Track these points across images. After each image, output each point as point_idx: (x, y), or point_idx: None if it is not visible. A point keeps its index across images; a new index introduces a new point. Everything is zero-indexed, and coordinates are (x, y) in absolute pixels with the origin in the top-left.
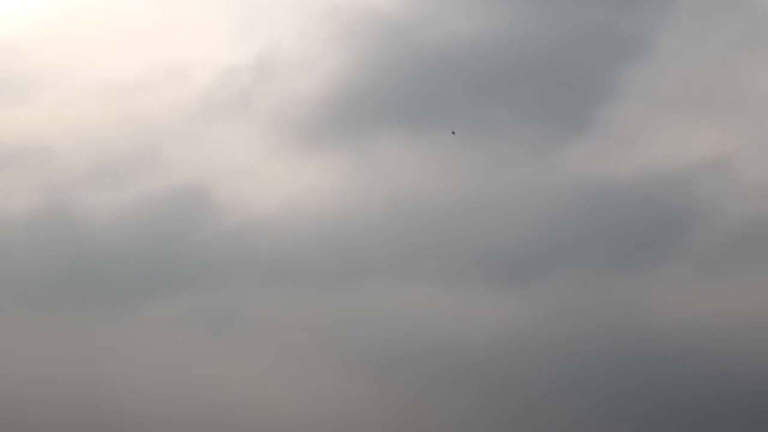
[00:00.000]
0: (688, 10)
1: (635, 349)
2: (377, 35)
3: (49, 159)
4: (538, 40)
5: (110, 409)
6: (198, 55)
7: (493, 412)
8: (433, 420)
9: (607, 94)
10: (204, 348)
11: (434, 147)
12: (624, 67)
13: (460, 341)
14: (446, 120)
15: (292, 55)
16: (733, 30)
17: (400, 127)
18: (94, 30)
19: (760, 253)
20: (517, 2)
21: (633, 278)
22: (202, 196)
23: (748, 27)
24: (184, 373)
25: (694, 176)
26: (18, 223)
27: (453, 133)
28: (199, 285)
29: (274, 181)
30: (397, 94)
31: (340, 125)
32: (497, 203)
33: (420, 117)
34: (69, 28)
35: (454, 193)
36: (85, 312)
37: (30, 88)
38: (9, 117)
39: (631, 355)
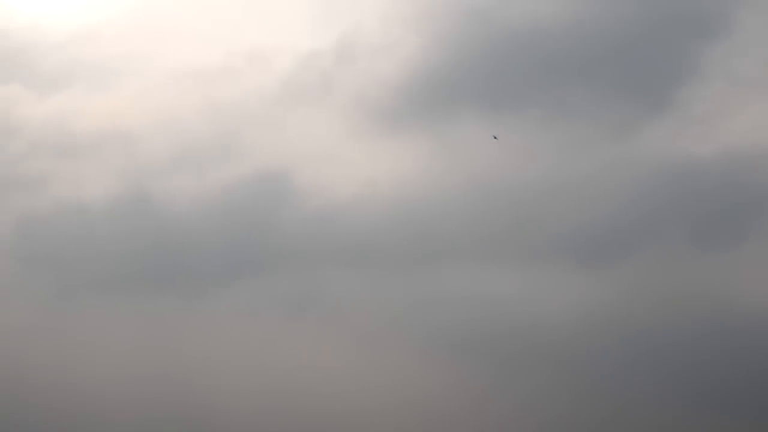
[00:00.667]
0: None
1: (715, 327)
2: (456, 18)
3: (131, 146)
4: (617, 21)
5: (190, 392)
6: (279, 40)
7: (569, 392)
8: (510, 400)
9: (687, 74)
10: (284, 332)
11: (512, 129)
12: (705, 47)
13: (538, 321)
14: (524, 102)
15: (372, 39)
16: None
17: (479, 110)
18: (176, 18)
19: None
20: None
21: (713, 257)
22: (282, 181)
23: None
24: (263, 357)
25: None
26: (99, 209)
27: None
28: (280, 270)
29: (353, 165)
30: (476, 76)
31: (419, 108)
32: (575, 184)
33: (498, 99)
34: (151, 17)
35: (532, 175)
36: (165, 297)
37: (112, 76)
38: (92, 105)
39: (711, 333)
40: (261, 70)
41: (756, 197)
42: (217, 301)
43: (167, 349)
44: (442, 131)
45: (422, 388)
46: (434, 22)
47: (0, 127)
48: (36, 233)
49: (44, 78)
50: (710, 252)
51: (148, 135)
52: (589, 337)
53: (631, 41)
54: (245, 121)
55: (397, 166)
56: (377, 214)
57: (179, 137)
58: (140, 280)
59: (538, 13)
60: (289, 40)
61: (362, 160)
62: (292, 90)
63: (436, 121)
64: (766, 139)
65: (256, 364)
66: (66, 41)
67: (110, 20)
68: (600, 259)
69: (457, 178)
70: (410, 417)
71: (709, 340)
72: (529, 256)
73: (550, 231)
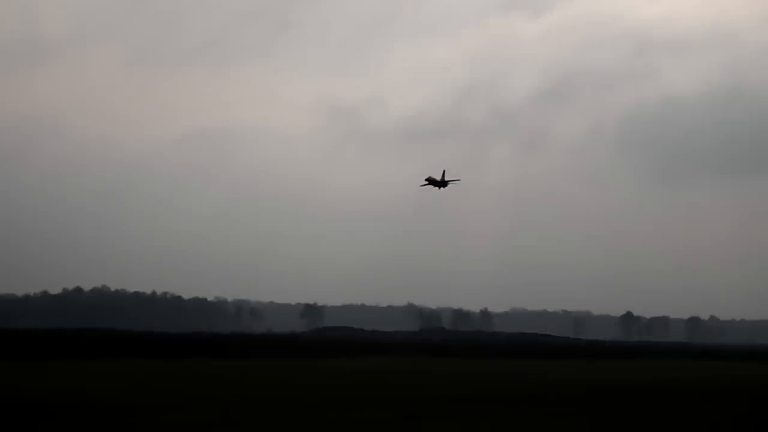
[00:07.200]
0: None
1: None
2: None
3: (732, 41)
4: None
5: None
6: None
7: None
8: None
9: None
10: None
11: None
12: None
13: None
14: None
15: None
16: None
17: None
18: None
19: None
20: None
21: None
22: None
23: None
24: None
25: None
26: (699, 100)
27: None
28: None
29: None
30: None
31: None
32: None
33: None
34: None
35: None
36: (762, 180)
37: None
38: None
39: None
40: None
41: None
42: None
43: (759, 226)
44: None
45: None
46: None
47: (613, 29)
48: (639, 124)
49: None
50: None
51: (752, 29)
52: None
53: None
54: None
55: None
56: None
57: None
58: (733, 163)
59: None
60: None
61: None
62: None
63: None
64: None
65: None
66: None
67: None
68: None
69: None
70: None
71: None
72: None
73: None
